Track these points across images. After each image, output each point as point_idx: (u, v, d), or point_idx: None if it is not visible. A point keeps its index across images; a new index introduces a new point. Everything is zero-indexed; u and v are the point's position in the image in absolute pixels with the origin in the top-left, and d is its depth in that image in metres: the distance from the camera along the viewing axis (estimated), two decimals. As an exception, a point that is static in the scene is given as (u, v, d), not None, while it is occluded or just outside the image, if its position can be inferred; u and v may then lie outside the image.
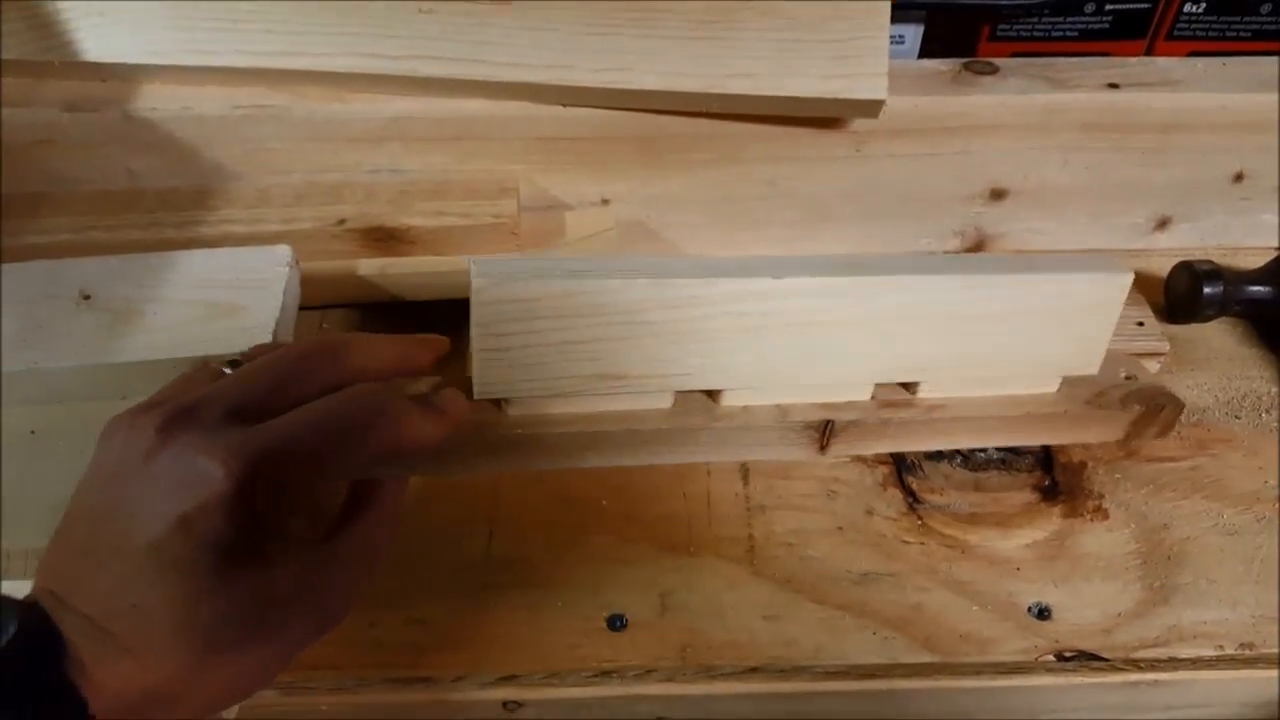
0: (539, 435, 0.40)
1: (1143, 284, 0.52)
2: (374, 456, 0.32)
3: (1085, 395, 0.44)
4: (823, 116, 0.46)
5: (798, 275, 0.38)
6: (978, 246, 0.53)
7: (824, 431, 0.43)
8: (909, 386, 0.43)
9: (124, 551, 0.28)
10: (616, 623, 0.41)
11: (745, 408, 0.42)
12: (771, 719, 0.43)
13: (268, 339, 0.41)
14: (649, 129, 0.47)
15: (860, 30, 0.44)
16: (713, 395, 0.42)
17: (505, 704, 0.40)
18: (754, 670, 0.40)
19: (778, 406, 0.42)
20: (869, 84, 0.44)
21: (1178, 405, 0.44)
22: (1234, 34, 0.51)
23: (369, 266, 0.47)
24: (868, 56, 0.44)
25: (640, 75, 0.44)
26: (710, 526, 0.44)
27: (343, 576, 0.32)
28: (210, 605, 0.28)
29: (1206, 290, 0.48)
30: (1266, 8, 0.49)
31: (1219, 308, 0.49)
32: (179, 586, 0.28)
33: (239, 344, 0.42)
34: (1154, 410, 0.44)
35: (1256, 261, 0.50)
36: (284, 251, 0.45)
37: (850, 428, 0.43)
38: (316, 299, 0.48)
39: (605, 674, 0.40)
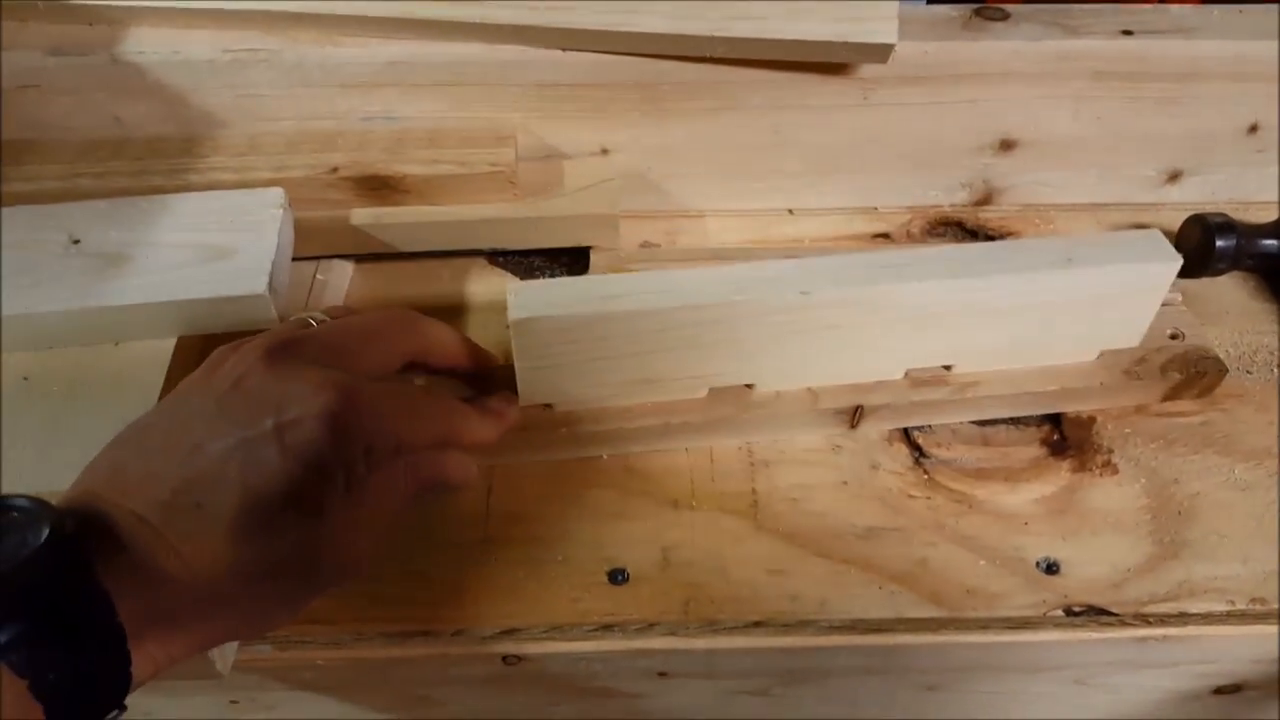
0: (583, 432, 0.41)
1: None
2: (435, 443, 0.35)
3: (1124, 364, 0.43)
4: (830, 62, 0.44)
5: (826, 287, 0.38)
6: (985, 199, 0.51)
7: (854, 414, 0.42)
8: (943, 366, 0.42)
9: (204, 450, 0.29)
10: (618, 577, 0.39)
11: (777, 394, 0.42)
12: (775, 674, 0.42)
13: (263, 281, 0.40)
14: (651, 75, 0.45)
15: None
16: (746, 384, 0.41)
17: (505, 658, 0.39)
18: (757, 624, 0.38)
19: (809, 391, 0.42)
20: (878, 28, 0.42)
21: (1220, 371, 0.43)
22: (1252, -21, 0.49)
23: (363, 216, 0.45)
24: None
25: (643, 17, 0.42)
26: (713, 481, 0.42)
27: (366, 525, 0.32)
28: (267, 525, 0.29)
29: (1219, 244, 0.46)
30: (1284, -46, 0.47)
31: (1231, 261, 0.47)
32: (250, 492, 0.28)
33: (233, 287, 0.40)
34: (1194, 377, 0.43)
35: (1269, 216, 0.48)
36: (277, 194, 0.43)
37: (880, 410, 0.42)
38: (310, 249, 0.46)
39: (606, 628, 0.38)
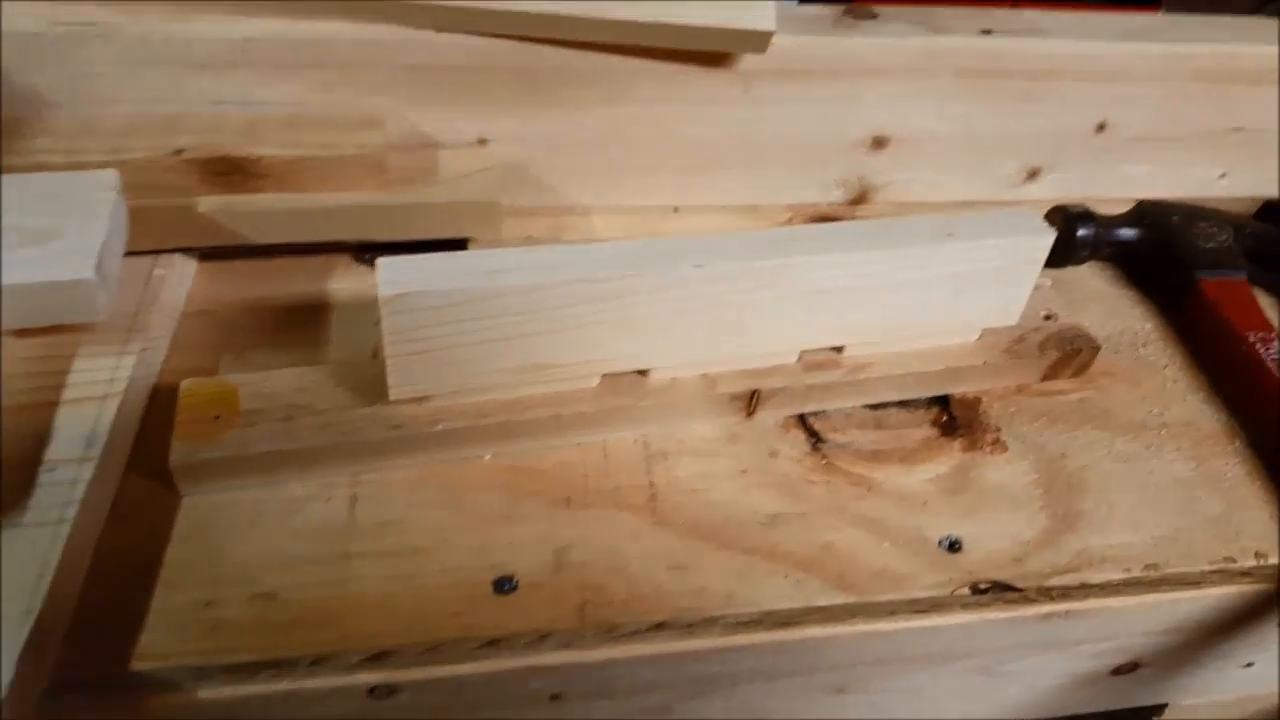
0: (464, 428, 0.35)
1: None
2: None
3: (1004, 344, 0.42)
4: (711, 52, 0.42)
5: (720, 261, 0.34)
6: (861, 198, 0.49)
7: (751, 400, 0.38)
8: (835, 347, 0.40)
9: None
10: (505, 585, 0.33)
11: (673, 381, 0.38)
12: (679, 686, 0.36)
13: (90, 265, 0.32)
14: (531, 60, 0.41)
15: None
16: (641, 371, 0.37)
17: (373, 690, 0.31)
18: (660, 626, 0.33)
19: (704, 377, 0.38)
20: (757, 14, 0.39)
21: (1093, 348, 0.42)
22: (1086, -2, 0.50)
23: (211, 203, 0.38)
24: (754, -16, 0.39)
25: (518, -5, 0.38)
26: (607, 476, 0.37)
27: None
28: None
29: (1080, 232, 0.46)
30: (1114, -27, 0.49)
31: (1092, 249, 0.46)
32: None
33: (56, 271, 0.33)
34: (1070, 355, 0.42)
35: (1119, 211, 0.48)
36: (109, 175, 0.36)
37: (777, 394, 0.39)
38: (148, 241, 0.38)
39: (493, 643, 0.32)
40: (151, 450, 0.35)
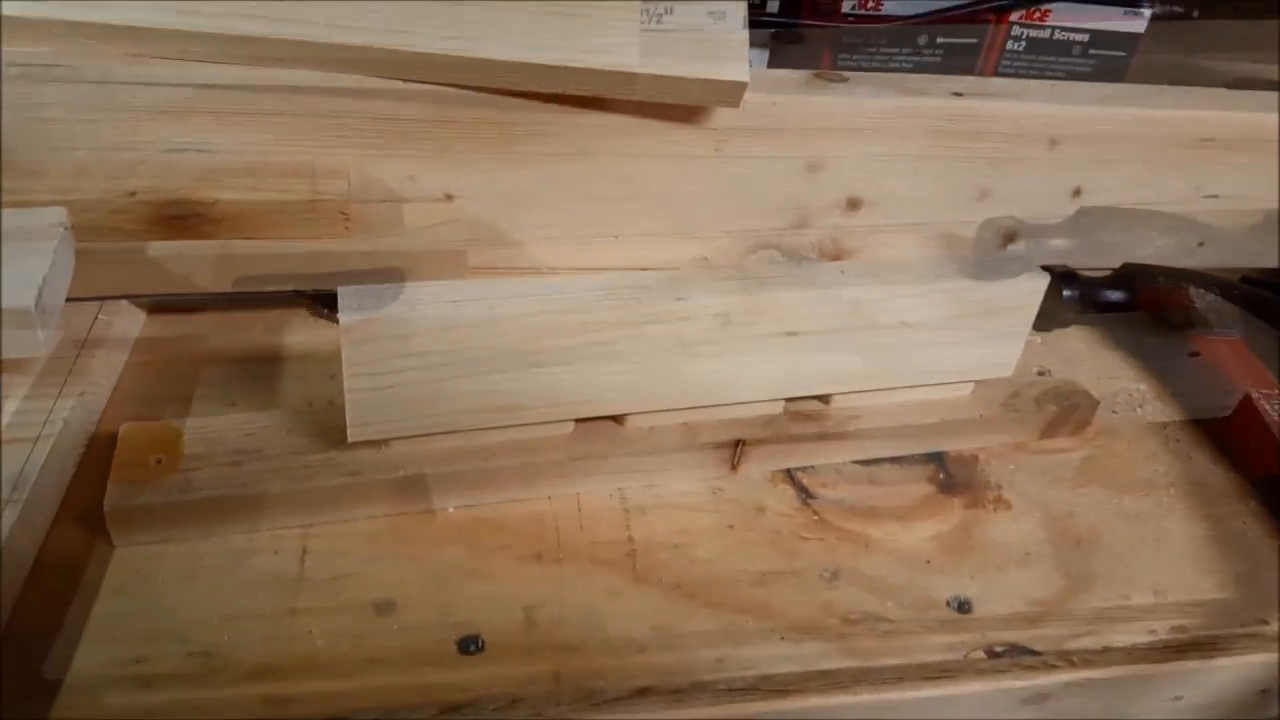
0: (426, 475, 0.35)
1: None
2: None
3: (1000, 397, 0.43)
4: (683, 105, 0.45)
5: (701, 295, 0.36)
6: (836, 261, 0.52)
7: (735, 451, 0.39)
8: (822, 398, 0.41)
9: None
10: (470, 645, 0.33)
11: (651, 429, 0.39)
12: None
13: (31, 295, 0.33)
14: (501, 113, 0.44)
15: (719, 16, 0.44)
16: (617, 418, 0.38)
17: (319, 765, 0.30)
18: (644, 691, 0.32)
19: (685, 425, 0.39)
20: (731, 67, 0.43)
21: (1092, 403, 0.44)
22: (1051, 73, 0.55)
23: (162, 248, 0.40)
24: (727, 39, 0.43)
25: (492, 45, 0.41)
26: (582, 530, 0.37)
27: None
28: None
29: (1066, 292, 0.49)
30: (1077, 49, 0.54)
31: (1078, 310, 0.49)
32: None
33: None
34: (1069, 410, 0.44)
35: (1101, 280, 0.52)
36: (57, 212, 0.37)
37: (763, 445, 0.40)
38: (94, 287, 0.39)
39: (456, 709, 0.31)
40: (86, 500, 0.34)
